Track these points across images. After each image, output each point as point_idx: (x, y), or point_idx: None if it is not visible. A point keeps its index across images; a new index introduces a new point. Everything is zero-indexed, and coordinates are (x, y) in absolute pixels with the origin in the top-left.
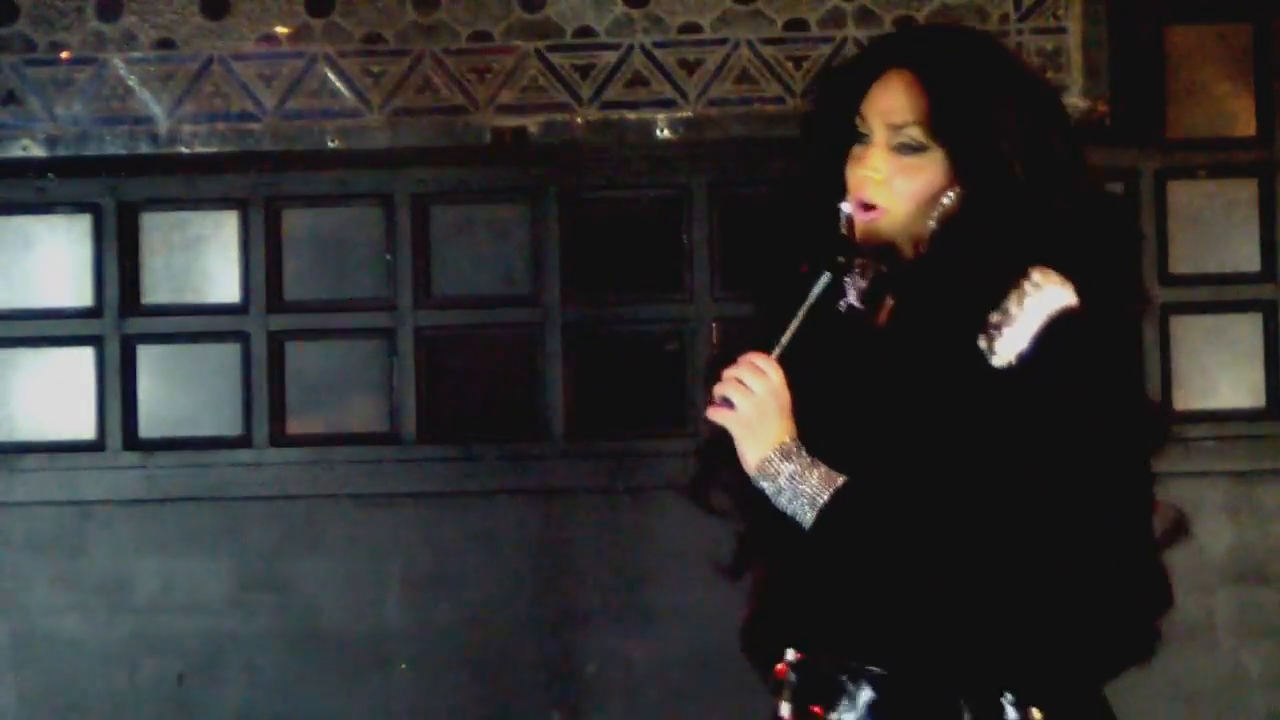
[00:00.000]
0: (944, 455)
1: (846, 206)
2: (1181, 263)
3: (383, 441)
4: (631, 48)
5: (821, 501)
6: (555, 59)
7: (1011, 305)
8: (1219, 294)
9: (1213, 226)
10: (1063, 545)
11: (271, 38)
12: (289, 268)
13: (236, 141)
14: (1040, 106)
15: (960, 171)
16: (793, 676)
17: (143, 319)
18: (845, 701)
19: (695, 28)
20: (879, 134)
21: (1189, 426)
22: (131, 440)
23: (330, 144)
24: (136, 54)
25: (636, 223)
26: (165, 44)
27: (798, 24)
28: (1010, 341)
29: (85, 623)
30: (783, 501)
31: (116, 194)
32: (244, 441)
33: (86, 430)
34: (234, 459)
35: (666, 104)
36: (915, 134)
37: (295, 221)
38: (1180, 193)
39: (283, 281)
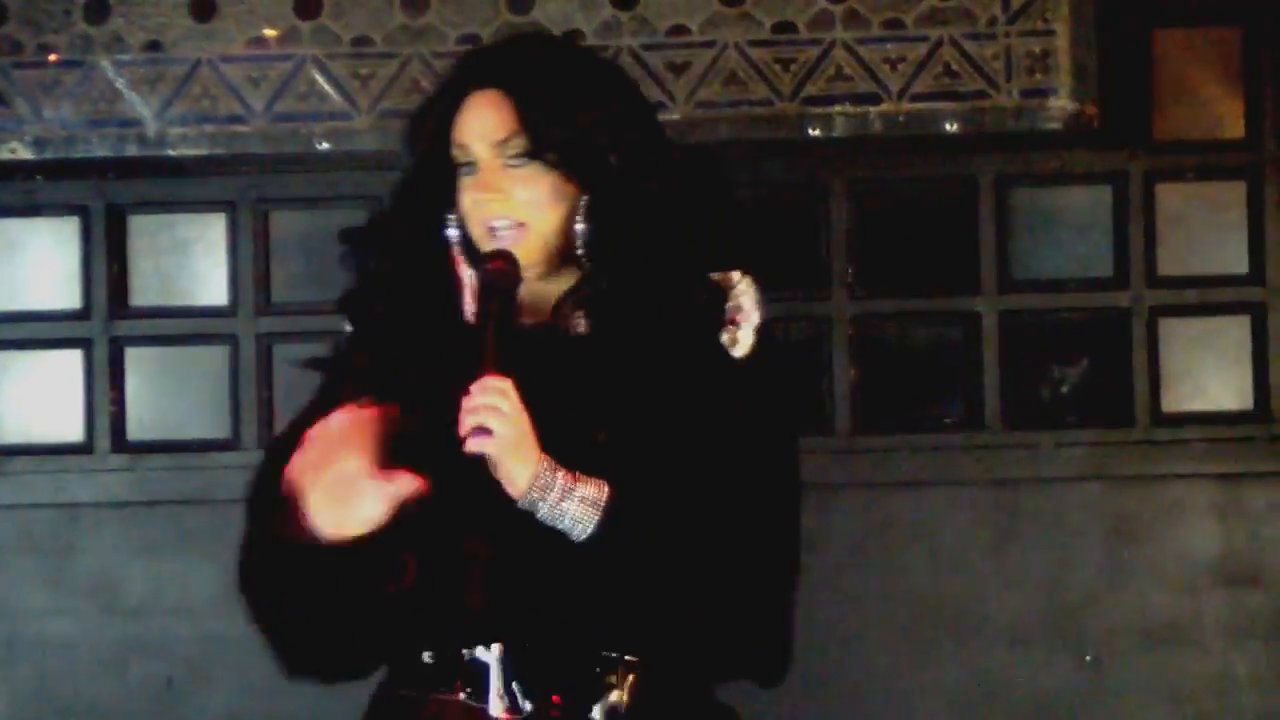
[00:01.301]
0: (697, 449)
1: (453, 233)
2: (1169, 265)
3: None
4: (619, 50)
5: (601, 506)
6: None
7: (743, 300)
8: (1207, 296)
9: (1201, 229)
10: (782, 536)
11: (260, 40)
12: (277, 270)
13: (225, 144)
14: (621, 91)
15: (571, 175)
16: (502, 668)
17: (131, 321)
18: (595, 690)
19: (683, 30)
20: (485, 155)
21: (1177, 429)
22: (120, 443)
23: (319, 146)
24: (124, 56)
25: None
26: (153, 46)
27: (786, 26)
28: (747, 335)
29: (74, 626)
30: (555, 513)
31: (105, 196)
32: (233, 444)
33: (75, 433)
34: (223, 461)
35: (654, 106)
36: (520, 144)
37: (284, 224)
38: (1169, 195)
39: (271, 284)
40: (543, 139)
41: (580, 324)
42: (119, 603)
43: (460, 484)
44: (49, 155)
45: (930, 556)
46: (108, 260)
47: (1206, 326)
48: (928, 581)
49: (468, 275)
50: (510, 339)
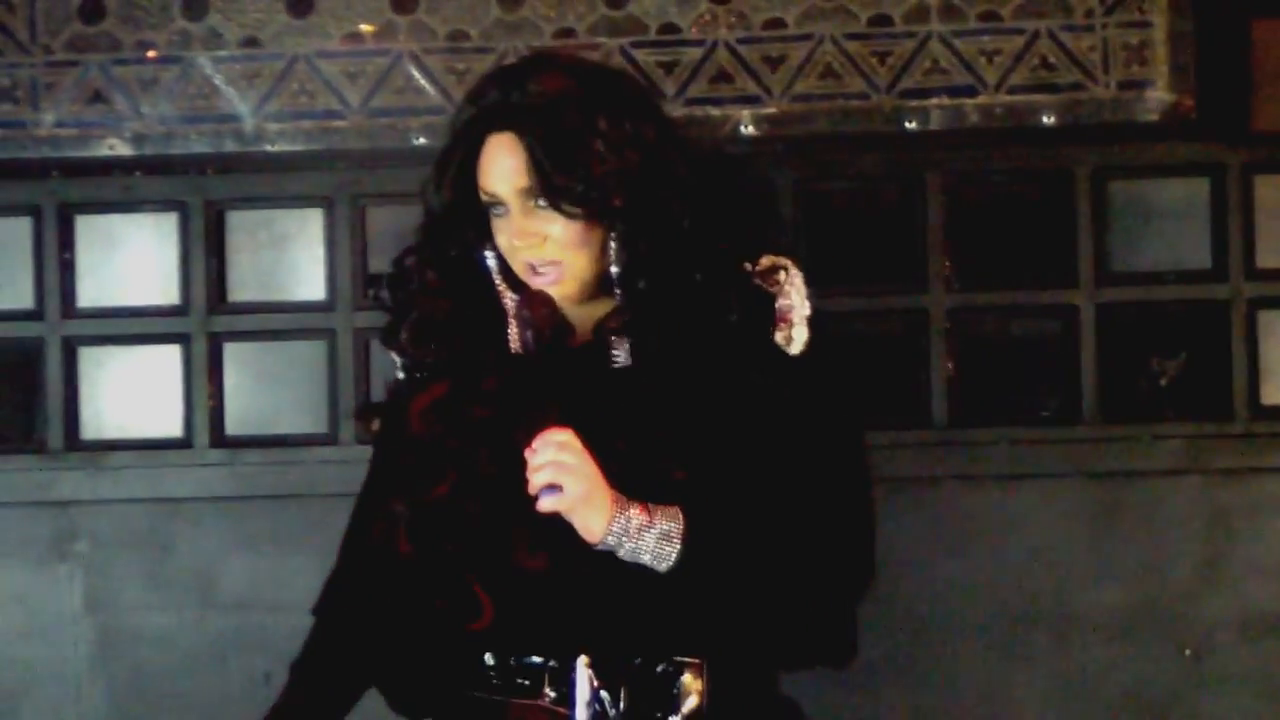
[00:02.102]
0: (770, 462)
1: (492, 263)
2: (1269, 257)
3: None
4: (715, 44)
5: (679, 538)
6: (640, 56)
7: (792, 295)
8: None
9: None
10: (859, 532)
11: (356, 35)
12: (375, 265)
13: (321, 139)
14: (630, 107)
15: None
16: (591, 680)
17: (229, 317)
18: (672, 695)
19: (780, 24)
20: (511, 200)
21: (1276, 422)
22: (218, 438)
23: (415, 141)
24: (222, 53)
25: None
26: (250, 42)
27: (882, 19)
28: (800, 331)
29: (173, 621)
30: (635, 552)
31: (202, 192)
32: (330, 439)
33: (173, 428)
34: (320, 456)
35: (751, 100)
36: (540, 192)
37: (381, 219)
38: (1267, 187)
39: (368, 279)
40: (558, 192)
41: (623, 354)
42: (217, 598)
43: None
44: (147, 151)
45: (1026, 550)
46: (206, 256)
47: None
48: (1024, 575)
49: (510, 302)
50: (560, 368)
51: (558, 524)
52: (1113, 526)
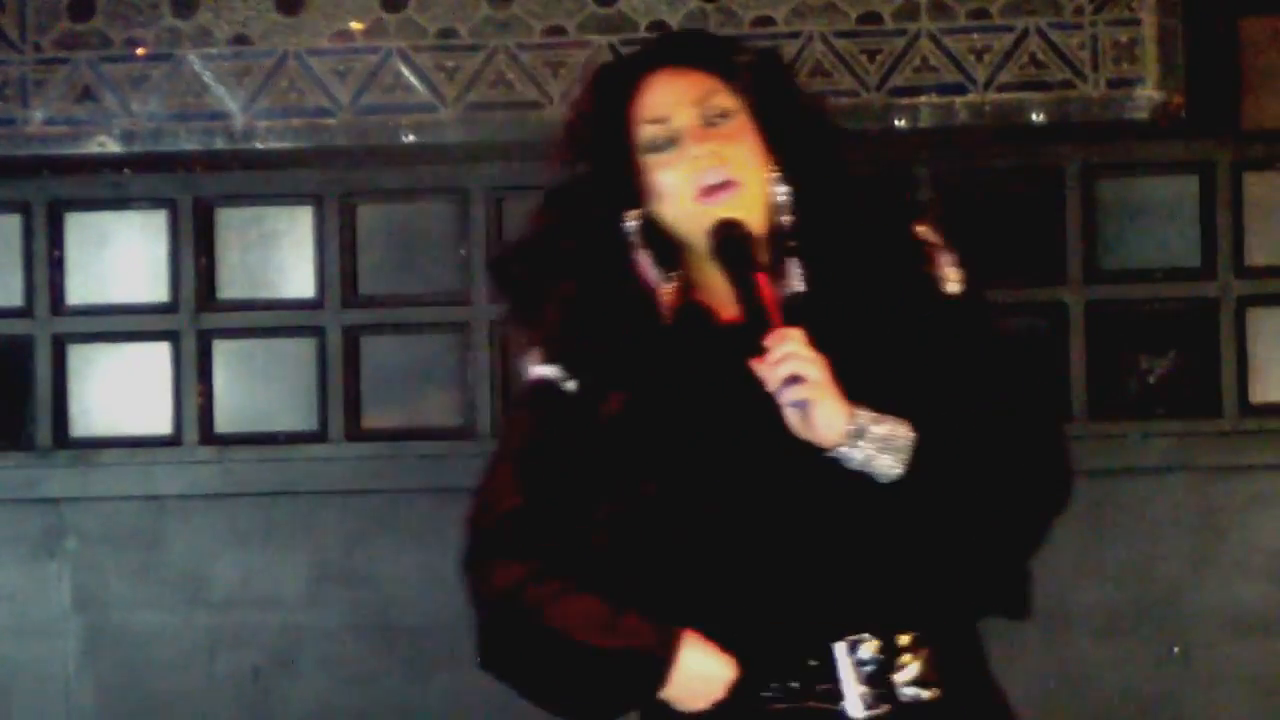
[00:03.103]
0: (960, 387)
1: (632, 225)
2: (1258, 254)
3: (457, 436)
4: None
5: (909, 441)
6: (627, 54)
7: (936, 238)
8: None
9: None
10: (1058, 456)
11: (346, 33)
12: (364, 262)
13: (311, 137)
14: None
15: (768, 127)
16: (857, 662)
17: (218, 314)
18: (920, 671)
19: (768, 21)
20: (687, 118)
21: (1265, 419)
22: (208, 435)
23: (405, 139)
24: (212, 50)
25: None
26: (240, 40)
27: (872, 17)
28: (954, 269)
29: (162, 617)
30: (868, 454)
31: (192, 190)
32: (319, 436)
33: (163, 425)
34: (310, 453)
35: None
36: (721, 101)
37: (370, 216)
38: (1256, 184)
39: (357, 276)
40: (746, 85)
41: (798, 281)
42: (206, 594)
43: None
44: (137, 149)
45: None
46: (195, 253)
47: None
48: None
49: (658, 279)
50: (716, 335)
51: (774, 509)
52: (1101, 524)
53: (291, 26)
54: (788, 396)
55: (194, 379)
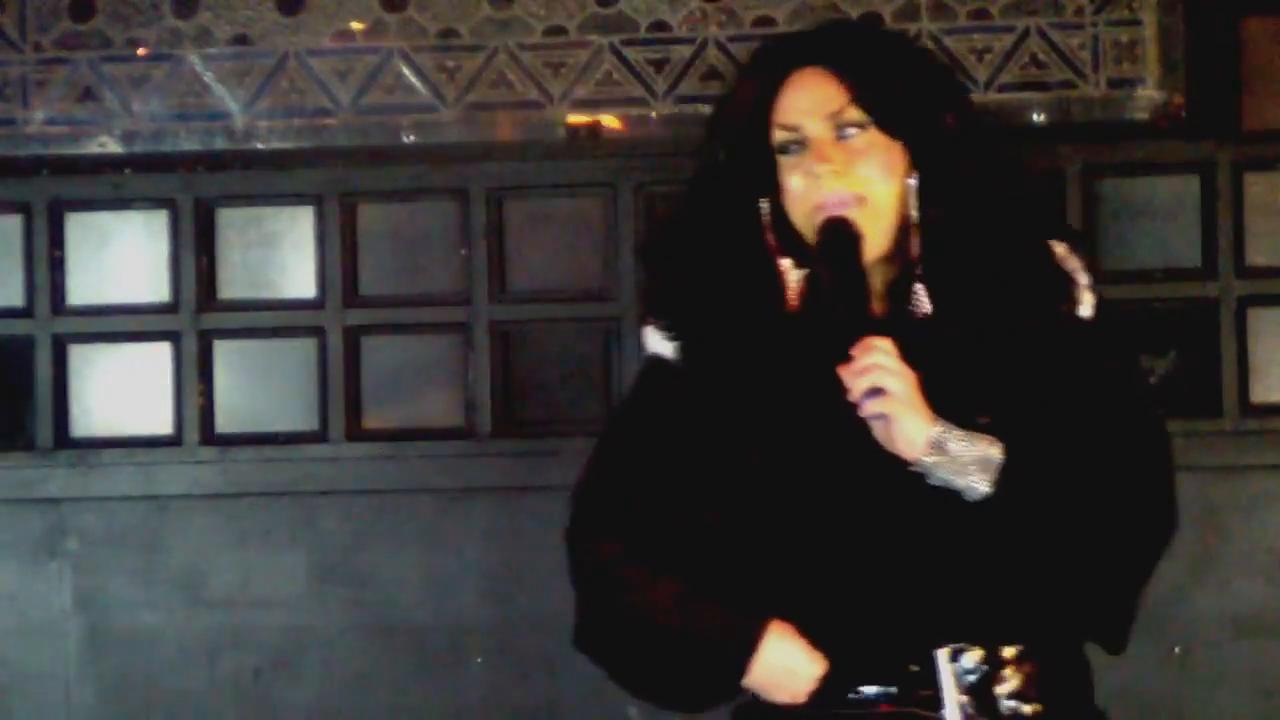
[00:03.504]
0: (1074, 415)
1: (767, 218)
2: (1258, 254)
3: (458, 436)
4: (706, 42)
5: (996, 461)
6: (629, 53)
7: (1077, 262)
8: None
9: None
10: (1164, 493)
11: (346, 33)
12: (365, 263)
13: (312, 137)
14: (937, 65)
15: (906, 142)
16: (961, 674)
17: (219, 314)
18: (1021, 685)
19: (769, 21)
20: (817, 130)
21: (1266, 419)
22: (208, 435)
23: (405, 139)
24: (212, 50)
25: None
26: (241, 40)
27: (873, 18)
28: (1088, 293)
29: (162, 618)
30: (953, 470)
31: (192, 190)
32: (320, 436)
33: (164, 425)
34: (310, 454)
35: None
36: (853, 115)
37: (371, 216)
38: (1257, 185)
39: (358, 276)
40: (879, 101)
41: (925, 303)
42: (207, 594)
43: (840, 487)
44: (138, 149)
45: None
46: (196, 253)
47: None
48: None
49: (788, 267)
50: (866, 312)
51: (872, 503)
52: None
53: (292, 26)
54: (866, 408)
55: (195, 379)
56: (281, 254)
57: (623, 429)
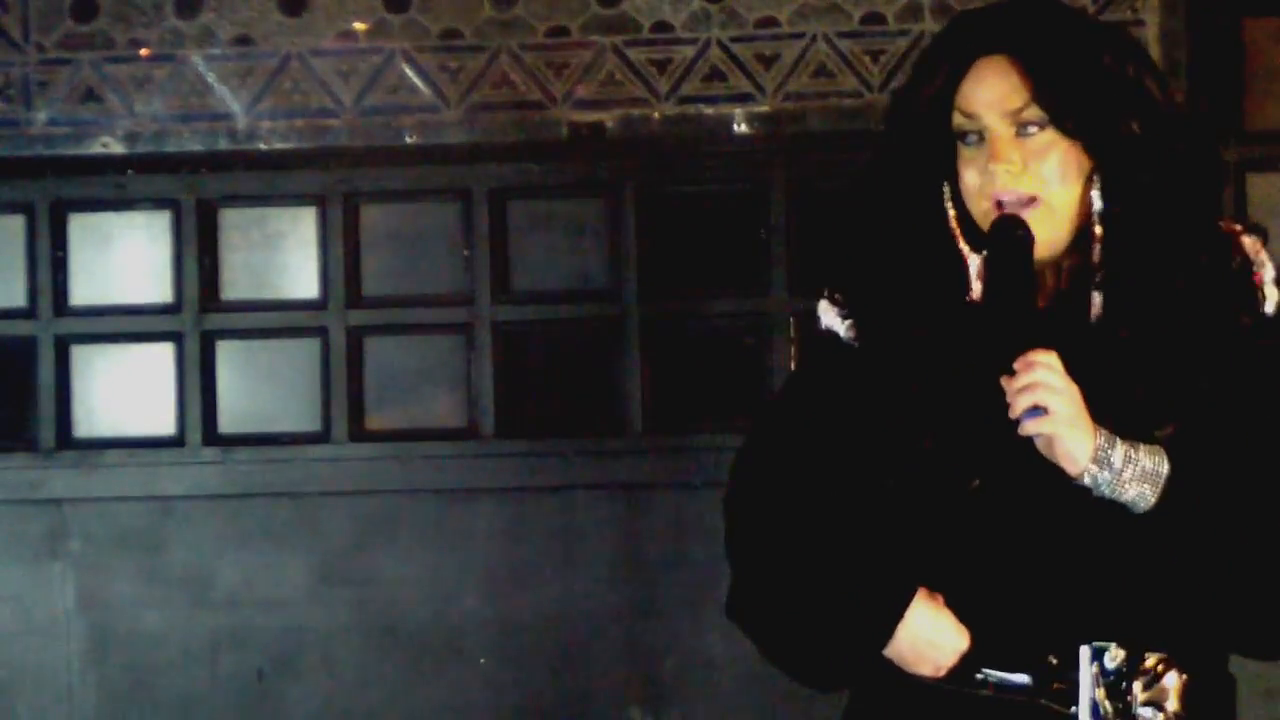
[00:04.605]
0: (1255, 426)
1: (950, 207)
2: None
3: (461, 437)
4: (709, 42)
5: (1163, 476)
6: (632, 54)
7: (1263, 256)
8: None
9: None
10: None
11: (349, 34)
12: (367, 263)
13: (314, 138)
14: (1131, 55)
15: (1088, 144)
16: (1101, 673)
17: (222, 315)
18: (1161, 692)
19: (772, 22)
20: (996, 125)
21: None
22: (211, 436)
23: (408, 140)
24: (215, 51)
25: (714, 217)
26: (243, 40)
27: (875, 18)
28: (1272, 290)
29: (165, 618)
30: (1118, 486)
31: (195, 190)
32: (323, 437)
33: (166, 426)
34: (313, 454)
35: (744, 98)
36: (1035, 114)
37: (373, 217)
38: (1260, 185)
39: (361, 277)
40: (1061, 105)
41: (1097, 307)
42: (210, 595)
43: (1004, 481)
44: (140, 149)
45: None
46: (199, 254)
47: None
48: None
49: (968, 253)
50: (1031, 318)
51: (1040, 503)
52: None
53: (294, 27)
54: (1026, 427)
55: (197, 380)
56: (284, 255)
57: (789, 402)
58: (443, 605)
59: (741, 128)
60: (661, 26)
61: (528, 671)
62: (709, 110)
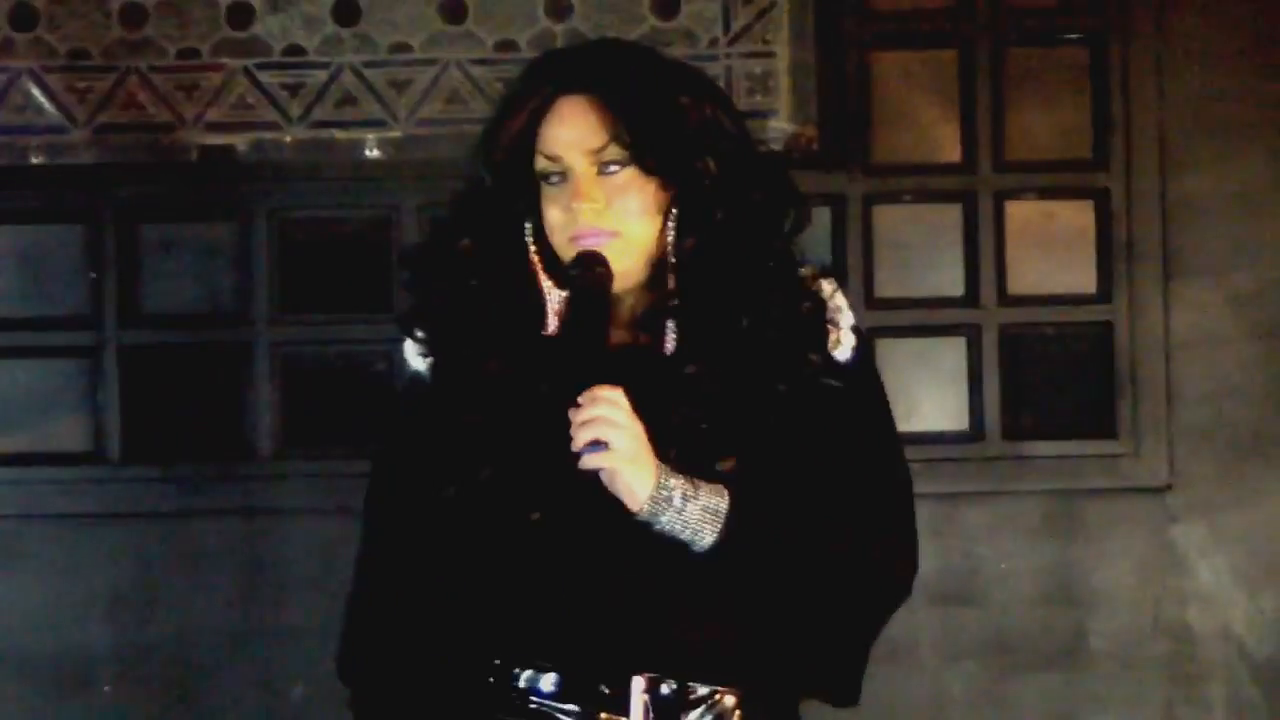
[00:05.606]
0: (817, 463)
1: (532, 245)
2: (887, 287)
3: (87, 461)
4: (341, 67)
5: (722, 514)
6: (264, 77)
7: (839, 301)
8: (924, 318)
9: (918, 251)
10: (905, 538)
11: (297, 49)
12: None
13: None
14: (710, 96)
15: (668, 179)
16: (646, 702)
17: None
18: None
19: (405, 48)
20: (578, 164)
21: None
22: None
23: (34, 160)
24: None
25: (345, 242)
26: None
27: (508, 45)
28: (848, 336)
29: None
30: (677, 523)
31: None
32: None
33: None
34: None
35: (376, 124)
36: (615, 153)
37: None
38: (886, 217)
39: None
40: (640, 144)
41: (671, 340)
42: None
43: (565, 511)
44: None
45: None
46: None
47: (922, 348)
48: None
49: (549, 289)
50: (602, 353)
51: (603, 530)
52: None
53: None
54: (586, 461)
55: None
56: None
57: (386, 451)
58: (67, 631)
59: (373, 153)
60: (294, 50)
61: (154, 698)
62: (341, 135)
